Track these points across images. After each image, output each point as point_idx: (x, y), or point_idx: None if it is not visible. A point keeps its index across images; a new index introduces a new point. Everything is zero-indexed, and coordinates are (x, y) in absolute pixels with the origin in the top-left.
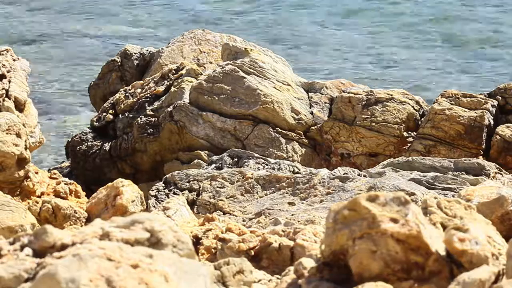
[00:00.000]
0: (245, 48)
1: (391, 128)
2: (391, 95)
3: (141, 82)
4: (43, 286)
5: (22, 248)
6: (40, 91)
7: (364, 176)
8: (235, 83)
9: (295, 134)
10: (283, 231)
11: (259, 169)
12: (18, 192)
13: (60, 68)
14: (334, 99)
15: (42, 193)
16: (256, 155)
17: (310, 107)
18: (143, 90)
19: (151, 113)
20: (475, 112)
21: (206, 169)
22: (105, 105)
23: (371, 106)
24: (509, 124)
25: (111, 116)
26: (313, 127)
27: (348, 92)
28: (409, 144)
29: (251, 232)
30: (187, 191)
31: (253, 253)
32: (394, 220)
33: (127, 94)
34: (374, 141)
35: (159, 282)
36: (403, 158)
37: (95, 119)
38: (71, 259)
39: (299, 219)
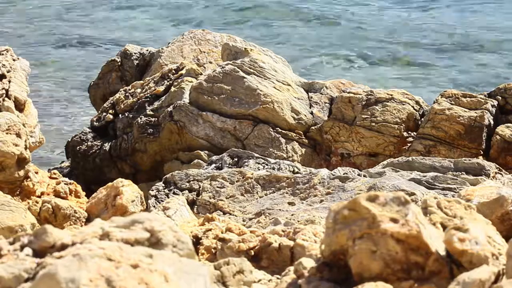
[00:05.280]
0: (245, 48)
1: (391, 128)
2: (391, 95)
3: (141, 82)
4: (43, 286)
5: (22, 248)
6: (40, 90)
7: (364, 176)
8: (235, 83)
9: (295, 134)
10: (283, 231)
11: (259, 169)
12: (18, 192)
13: (59, 68)
14: (334, 99)
15: (42, 193)
16: (256, 155)
17: (310, 107)
18: (143, 90)
19: (151, 113)
20: (475, 112)
21: (206, 169)
22: (105, 105)
23: (371, 106)
24: (509, 124)
25: (111, 116)
26: (313, 127)
27: (348, 92)
28: (409, 144)
29: (251, 232)
30: (187, 191)
31: (253, 253)
32: (394, 220)
33: (127, 94)
34: (374, 141)
35: (159, 282)
36: (403, 158)
37: (95, 119)
38: (71, 259)
39: (299, 219)
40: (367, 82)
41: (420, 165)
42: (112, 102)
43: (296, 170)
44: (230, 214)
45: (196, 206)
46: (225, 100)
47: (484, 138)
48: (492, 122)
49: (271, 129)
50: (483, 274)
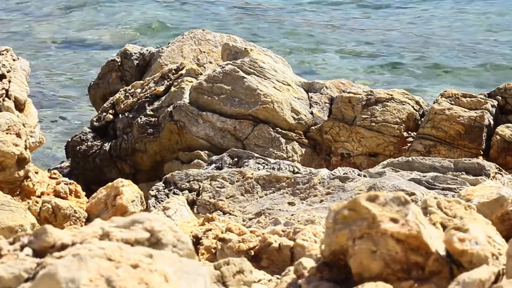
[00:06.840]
0: (245, 48)
1: (391, 128)
2: (391, 95)
3: (141, 82)
4: (43, 286)
5: (22, 248)
6: (40, 90)
7: (364, 176)
8: (235, 83)
9: (295, 134)
10: (283, 231)
11: (259, 169)
12: (18, 192)
13: (59, 67)
14: (334, 99)
15: (42, 193)
16: (256, 155)
17: (310, 107)
18: (143, 90)
19: (151, 113)
20: (475, 112)
21: (206, 169)
22: (105, 105)
23: (371, 106)
24: (509, 124)
25: (111, 116)
26: (313, 127)
27: (348, 92)
28: (409, 144)
29: (251, 232)
30: (187, 191)
31: (253, 253)
32: (394, 220)
33: (127, 94)
34: (374, 141)
35: (159, 282)
36: (403, 158)
37: (95, 119)
38: (71, 259)
39: (299, 219)
40: None
41: (420, 165)
42: (112, 102)
43: (296, 170)
44: (230, 214)
45: (196, 206)
46: (225, 100)
47: (484, 138)
48: (492, 122)
49: (271, 129)
50: (483, 274)
